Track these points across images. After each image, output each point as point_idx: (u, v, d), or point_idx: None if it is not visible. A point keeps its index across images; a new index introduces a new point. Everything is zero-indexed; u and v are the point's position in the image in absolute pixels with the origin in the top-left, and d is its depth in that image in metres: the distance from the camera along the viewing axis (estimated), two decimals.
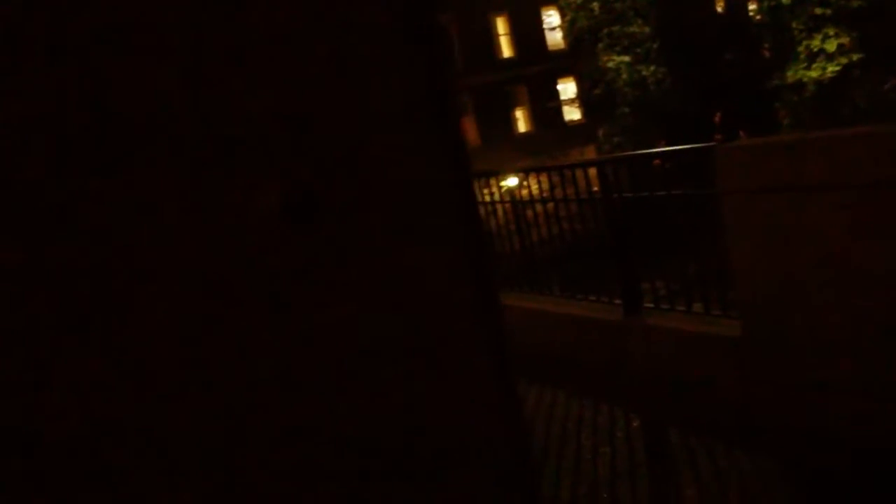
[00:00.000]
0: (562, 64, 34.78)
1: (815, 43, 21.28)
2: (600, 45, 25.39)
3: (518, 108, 35.68)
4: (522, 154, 29.74)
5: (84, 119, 0.70)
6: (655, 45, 24.06)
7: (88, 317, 0.69)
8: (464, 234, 0.88)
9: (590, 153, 28.57)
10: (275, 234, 0.78)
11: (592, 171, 5.31)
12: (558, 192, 5.75)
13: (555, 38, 35.25)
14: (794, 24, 21.92)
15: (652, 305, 4.89)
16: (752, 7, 24.25)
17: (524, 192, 6.33)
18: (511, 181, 7.82)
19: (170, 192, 0.74)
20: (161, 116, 0.74)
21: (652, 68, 24.05)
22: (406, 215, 0.84)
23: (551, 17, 35.21)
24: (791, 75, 21.86)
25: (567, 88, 35.55)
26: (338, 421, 0.79)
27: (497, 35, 35.47)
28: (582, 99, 31.49)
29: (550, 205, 5.87)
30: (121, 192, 0.72)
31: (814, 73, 21.37)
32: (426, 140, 0.86)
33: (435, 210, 0.85)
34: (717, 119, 22.03)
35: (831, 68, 21.10)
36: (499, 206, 6.44)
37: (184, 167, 0.75)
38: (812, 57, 21.44)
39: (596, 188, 5.26)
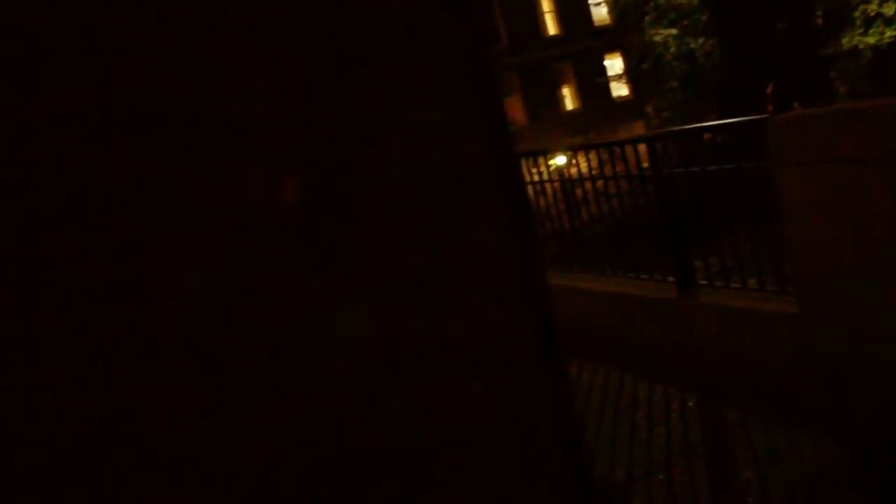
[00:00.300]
0: (608, 39, 34.28)
1: (873, 7, 20.57)
2: (647, 19, 24.91)
3: (565, 85, 35.35)
4: (570, 132, 29.47)
5: (96, 108, 0.69)
6: (704, 17, 23.52)
7: (94, 312, 0.68)
8: (506, 219, 0.85)
9: (638, 129, 28.17)
10: (293, 228, 0.75)
11: (641, 148, 5.22)
12: (607, 170, 5.67)
13: (600, 14, 34.77)
14: None
15: (705, 283, 4.80)
16: None
17: (573, 170, 6.25)
18: (559, 160, 7.74)
19: (183, 185, 0.72)
20: (173, 105, 0.72)
21: (700, 41, 23.53)
22: (440, 201, 0.81)
23: None
24: (846, 42, 21.17)
25: (614, 64, 35.08)
26: (366, 421, 0.77)
27: (542, 13, 35.13)
28: (629, 74, 31.02)
29: (600, 182, 5.79)
30: (133, 183, 0.70)
31: (871, 39, 20.66)
32: (463, 119, 0.83)
33: (473, 195, 0.82)
34: (769, 90, 21.49)
35: (889, 33, 20.37)
36: (547, 186, 6.37)
37: (197, 160, 0.73)
38: (869, 22, 20.72)
39: (646, 164, 5.17)
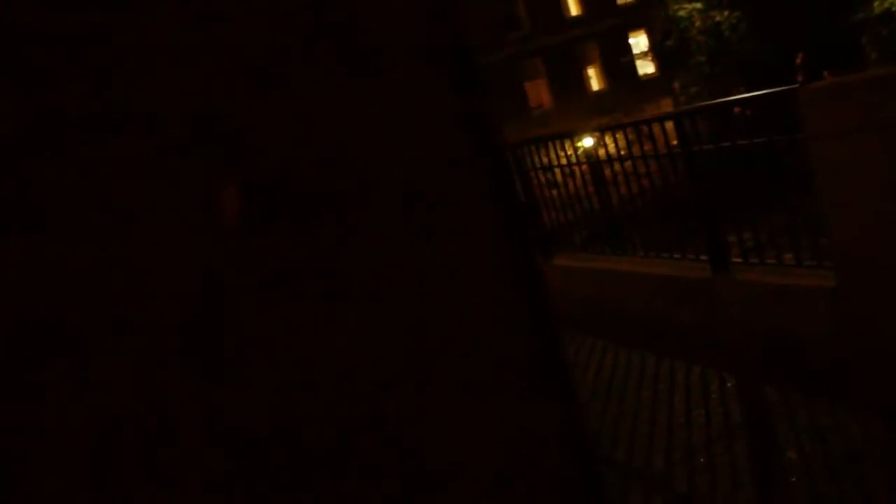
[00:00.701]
0: (631, 17, 33.93)
1: None
2: None
3: (590, 66, 35.04)
4: (597, 112, 29.22)
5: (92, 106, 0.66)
6: None
7: (36, 340, 0.66)
8: (496, 221, 0.81)
9: (666, 106, 27.83)
10: (245, 241, 0.72)
11: (669, 125, 5.13)
12: (636, 150, 5.58)
13: None
14: None
15: (740, 260, 4.70)
16: None
17: (601, 151, 6.17)
18: (587, 141, 7.66)
19: (172, 185, 0.69)
20: (155, 105, 0.69)
21: (725, 13, 23.17)
22: (421, 205, 0.77)
23: None
24: (878, 6, 20.69)
25: (639, 42, 34.68)
26: (365, 423, 0.74)
27: None
28: (655, 52, 30.64)
29: (628, 163, 5.70)
30: (116, 185, 0.68)
31: None
32: (442, 120, 0.79)
33: (457, 198, 0.78)
34: (798, 60, 21.09)
35: None
36: (575, 169, 6.30)
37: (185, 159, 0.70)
38: None
39: (675, 142, 5.08)
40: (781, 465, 3.33)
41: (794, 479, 3.18)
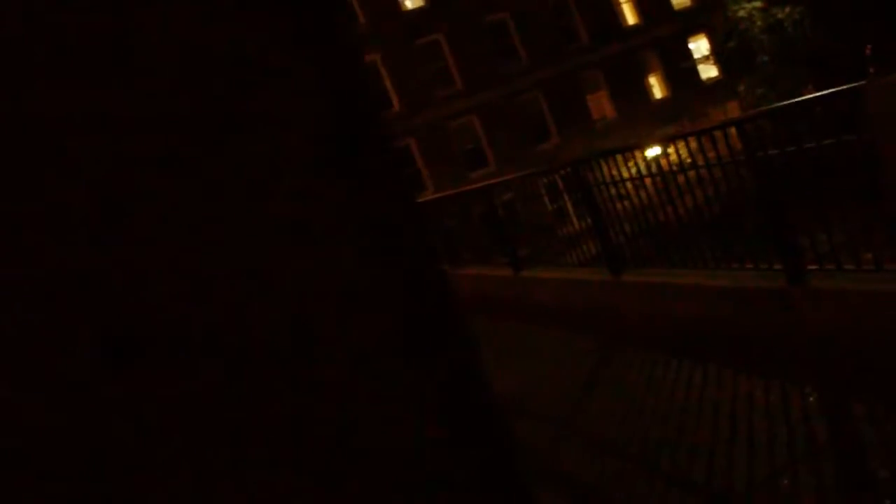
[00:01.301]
0: (690, 22, 33.48)
1: None
2: None
3: (651, 74, 34.67)
4: (661, 121, 28.85)
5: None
6: None
7: None
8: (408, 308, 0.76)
9: (732, 110, 27.25)
10: (98, 387, 0.67)
11: (732, 131, 4.97)
12: (699, 159, 5.43)
13: None
14: None
15: (816, 267, 4.50)
16: None
17: (663, 162, 6.03)
18: (649, 153, 7.53)
19: None
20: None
21: (787, 9, 22.58)
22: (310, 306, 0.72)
23: None
24: None
25: (699, 46, 34.14)
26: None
27: (619, 3, 34.59)
28: (716, 55, 30.08)
29: (692, 172, 5.55)
30: None
31: None
32: (334, 201, 0.74)
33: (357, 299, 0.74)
34: (867, 51, 20.39)
35: None
36: (638, 182, 6.19)
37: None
38: None
39: (740, 146, 4.92)
40: (875, 484, 3.14)
41: (888, 502, 2.99)
